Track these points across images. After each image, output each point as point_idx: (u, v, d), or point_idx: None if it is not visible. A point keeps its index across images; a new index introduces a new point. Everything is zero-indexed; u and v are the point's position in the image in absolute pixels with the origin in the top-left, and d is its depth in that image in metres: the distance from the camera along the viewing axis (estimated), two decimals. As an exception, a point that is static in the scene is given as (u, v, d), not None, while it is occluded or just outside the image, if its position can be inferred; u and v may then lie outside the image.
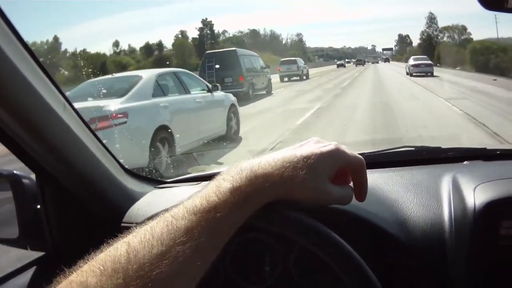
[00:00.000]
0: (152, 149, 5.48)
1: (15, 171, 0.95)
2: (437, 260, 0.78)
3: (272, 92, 18.31)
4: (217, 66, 15.14)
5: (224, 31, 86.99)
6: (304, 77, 28.23)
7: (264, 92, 17.61)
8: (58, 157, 0.89)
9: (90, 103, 5.65)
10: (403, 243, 0.79)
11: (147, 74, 6.62)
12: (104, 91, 6.04)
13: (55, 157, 0.89)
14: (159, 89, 6.40)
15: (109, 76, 7.26)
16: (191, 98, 7.08)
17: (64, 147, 0.88)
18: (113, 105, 5.45)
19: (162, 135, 5.80)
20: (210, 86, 7.63)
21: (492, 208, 0.75)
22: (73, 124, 0.89)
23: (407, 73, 26.08)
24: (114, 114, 5.26)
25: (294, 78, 27.30)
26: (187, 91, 7.09)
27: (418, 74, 25.00)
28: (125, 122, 5.32)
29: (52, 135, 0.85)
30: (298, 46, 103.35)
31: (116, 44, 72.18)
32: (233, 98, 8.34)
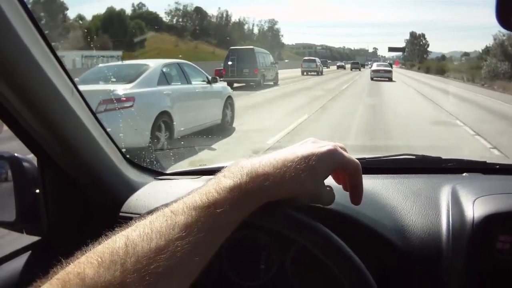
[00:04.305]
0: (153, 132, 5.60)
1: (16, 154, 0.85)
2: (433, 268, 0.73)
3: (278, 83, 20.14)
4: (232, 62, 17.80)
5: (141, 5, 52.45)
6: (320, 73, 33.33)
7: (271, 83, 19.41)
8: (61, 142, 0.81)
9: (102, 86, 5.86)
10: (400, 249, 0.74)
11: (154, 64, 6.66)
12: (115, 76, 6.22)
13: (58, 142, 0.81)
14: (164, 77, 6.47)
15: (120, 62, 7.25)
16: (192, 88, 7.10)
17: (68, 132, 0.81)
18: (122, 89, 5.56)
19: (163, 119, 5.87)
20: (209, 77, 7.67)
21: (490, 222, 0.70)
22: (79, 110, 0.82)
23: (371, 78, 26.49)
24: (122, 98, 5.37)
25: (312, 73, 32.86)
26: (188, 81, 7.11)
27: (377, 79, 25.80)
28: (131, 106, 5.41)
29: (58, 119, 0.78)
30: (268, 37, 72.45)
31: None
32: (230, 90, 8.29)
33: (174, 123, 6.03)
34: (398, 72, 40.68)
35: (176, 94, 6.44)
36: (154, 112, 5.72)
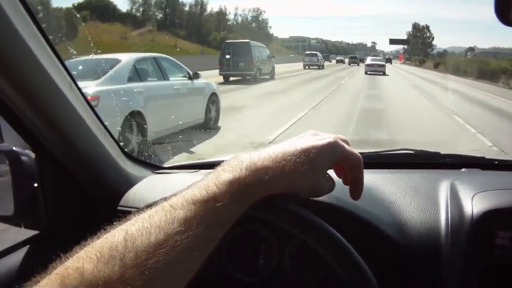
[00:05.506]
0: (123, 134, 5.30)
1: (14, 148, 0.90)
2: (432, 263, 0.78)
3: (275, 77, 21.31)
4: (228, 56, 19.02)
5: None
6: (321, 67, 36.92)
7: (268, 76, 20.58)
8: (59, 136, 0.86)
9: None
10: (399, 244, 0.79)
11: (126, 58, 6.37)
12: (81, 72, 5.91)
13: (56, 135, 0.86)
14: (136, 74, 6.20)
15: (89, 57, 7.12)
16: (169, 85, 6.86)
17: (66, 126, 0.86)
18: (86, 87, 5.20)
19: (134, 120, 5.62)
20: (191, 73, 7.39)
21: (489, 217, 0.74)
22: (77, 104, 0.87)
23: (365, 72, 28.30)
24: (86, 97, 5.11)
25: (314, 67, 36.58)
26: (165, 78, 6.87)
27: (371, 72, 27.66)
28: (96, 106, 5.16)
29: (56, 113, 0.83)
30: (254, 28, 67.95)
31: None
32: (214, 87, 8.01)
33: (148, 124, 5.77)
34: (410, 73, 33.38)
35: (150, 92, 6.19)
36: (123, 112, 5.40)
